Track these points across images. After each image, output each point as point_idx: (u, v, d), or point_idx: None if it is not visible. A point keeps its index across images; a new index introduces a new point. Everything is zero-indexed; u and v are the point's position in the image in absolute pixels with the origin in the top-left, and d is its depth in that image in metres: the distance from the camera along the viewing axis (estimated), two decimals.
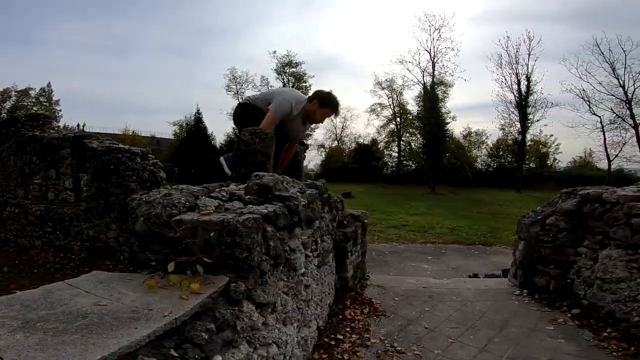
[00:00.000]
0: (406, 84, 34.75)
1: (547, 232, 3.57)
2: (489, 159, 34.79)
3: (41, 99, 35.39)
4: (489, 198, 22.12)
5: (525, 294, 3.68)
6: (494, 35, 68.69)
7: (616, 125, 26.29)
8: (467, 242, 8.06)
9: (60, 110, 35.76)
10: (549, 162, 34.08)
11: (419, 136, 32.10)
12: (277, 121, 3.18)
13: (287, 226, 1.99)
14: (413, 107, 34.33)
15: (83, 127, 24.62)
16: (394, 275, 5.47)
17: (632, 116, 25.11)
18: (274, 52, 37.19)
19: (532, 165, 33.09)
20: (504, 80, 31.02)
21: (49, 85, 36.13)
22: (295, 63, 36.47)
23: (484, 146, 35.41)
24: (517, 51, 29.76)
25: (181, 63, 78.07)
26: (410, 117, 34.84)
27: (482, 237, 8.65)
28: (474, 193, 24.69)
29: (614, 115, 26.18)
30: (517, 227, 4.06)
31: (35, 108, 32.62)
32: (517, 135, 30.65)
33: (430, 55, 31.91)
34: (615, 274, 2.84)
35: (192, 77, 75.61)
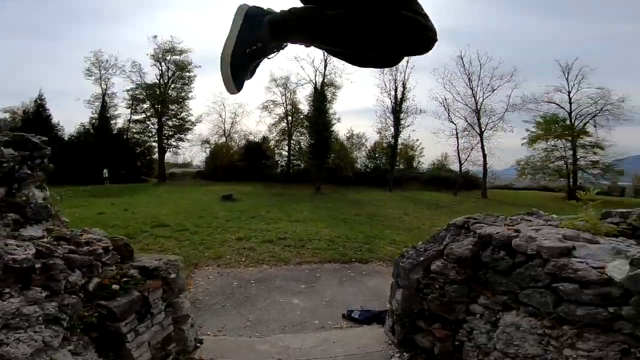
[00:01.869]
0: (300, 82, 34.37)
1: (433, 282, 2.78)
2: (367, 161, 37.16)
3: None
4: (366, 198, 23.11)
5: (405, 358, 2.81)
6: None
7: (467, 132, 30.81)
8: (343, 260, 7.47)
9: None
10: (414, 164, 38.17)
11: (307, 136, 32.06)
12: None
13: None
14: (305, 107, 34.22)
15: None
16: (253, 320, 4.22)
17: (479, 124, 29.70)
18: (155, 36, 32.48)
19: (401, 166, 36.50)
20: (384, 85, 33.32)
21: None
22: (180, 50, 32.51)
23: (363, 148, 37.69)
24: None
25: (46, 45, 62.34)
26: (302, 117, 34.63)
27: (359, 251, 8.23)
28: (355, 193, 25.67)
29: (467, 123, 30.64)
30: (394, 268, 3.23)
31: None
32: (391, 139, 33.26)
33: (323, 54, 32.09)
34: (523, 348, 2.13)
35: (57, 61, 61.22)
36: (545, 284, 2.09)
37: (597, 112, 28.47)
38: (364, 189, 28.63)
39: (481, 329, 2.49)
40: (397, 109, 32.01)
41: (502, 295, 2.40)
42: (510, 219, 2.96)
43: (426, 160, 39.83)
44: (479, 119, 29.66)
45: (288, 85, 35.13)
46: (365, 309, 4.50)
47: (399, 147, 34.97)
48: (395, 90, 32.12)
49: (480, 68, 29.99)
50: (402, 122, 32.52)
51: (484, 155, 29.14)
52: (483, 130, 29.52)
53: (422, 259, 3.05)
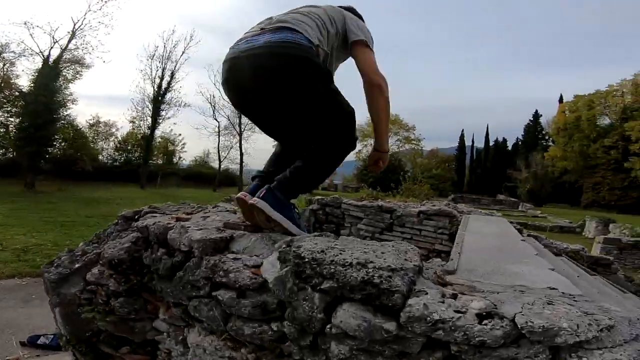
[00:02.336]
0: (24, 52, 24.57)
1: (95, 296, 2.02)
2: (116, 153, 31.88)
3: None
4: (108, 195, 19.54)
5: None
6: (162, 26, 65.38)
7: (228, 131, 31.75)
8: (36, 274, 5.57)
9: None
10: (174, 159, 35.99)
11: (21, 118, 23.61)
12: None
13: None
14: (25, 82, 24.90)
15: None
16: None
17: (240, 124, 31.15)
18: None
19: (159, 161, 33.55)
20: (149, 72, 29.29)
21: None
22: None
23: (112, 139, 32.06)
24: (174, 46, 29.28)
25: None
26: (17, 94, 25.08)
27: None
28: (93, 190, 21.16)
29: (229, 122, 31.50)
30: (44, 284, 2.25)
31: None
32: (146, 130, 29.81)
33: (74, 25, 24.25)
34: None
35: None
36: (207, 292, 1.58)
37: None
38: (109, 185, 24.24)
39: (177, 351, 1.92)
40: (159, 99, 29.01)
41: (175, 307, 1.89)
42: (197, 206, 2.58)
43: (188, 155, 38.41)
44: (240, 119, 31.19)
45: (3, 54, 24.93)
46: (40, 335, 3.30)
47: (158, 140, 31.98)
48: (161, 79, 29.10)
49: None
50: (163, 112, 29.83)
51: (241, 154, 30.93)
52: (243, 130, 31.27)
53: (77, 266, 2.22)
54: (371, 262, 0.93)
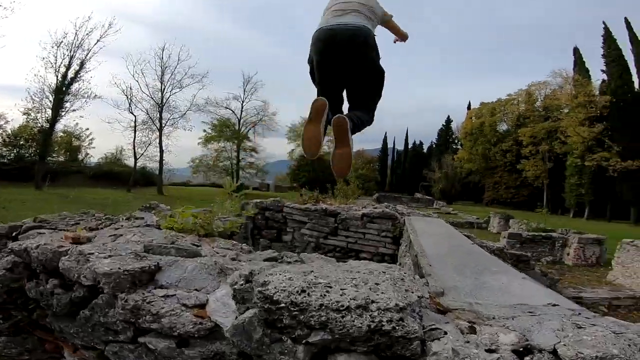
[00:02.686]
0: None
1: None
2: (4, 149, 26.99)
3: None
4: None
5: None
6: (76, 12, 56.13)
7: (146, 126, 28.94)
8: None
9: None
10: (80, 156, 31.81)
11: None
12: None
13: None
14: None
15: None
16: None
17: (161, 119, 28.61)
18: None
19: (61, 158, 29.32)
20: (53, 60, 25.03)
21: None
22: None
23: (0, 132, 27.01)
24: (88, 34, 25.37)
25: None
26: None
27: None
28: None
29: (147, 116, 28.69)
30: None
31: None
32: (45, 124, 25.73)
33: None
34: None
35: None
36: (130, 337, 1.20)
37: (258, 121, 35.17)
38: None
39: None
40: (63, 89, 25.11)
41: (86, 350, 1.44)
42: (104, 217, 2.09)
43: (97, 152, 34.24)
44: (161, 114, 28.69)
45: None
46: None
47: (59, 134, 27.84)
48: (68, 68, 25.18)
49: (178, 63, 29.22)
50: (67, 104, 25.93)
51: (161, 151, 28.51)
52: (164, 125, 28.84)
53: None
54: (372, 301, 0.72)
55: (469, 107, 50.10)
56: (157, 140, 28.70)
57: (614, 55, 29.51)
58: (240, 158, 34.26)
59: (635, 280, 7.86)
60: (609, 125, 28.27)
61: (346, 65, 2.03)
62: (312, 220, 3.50)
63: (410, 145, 57.49)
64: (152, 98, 28.70)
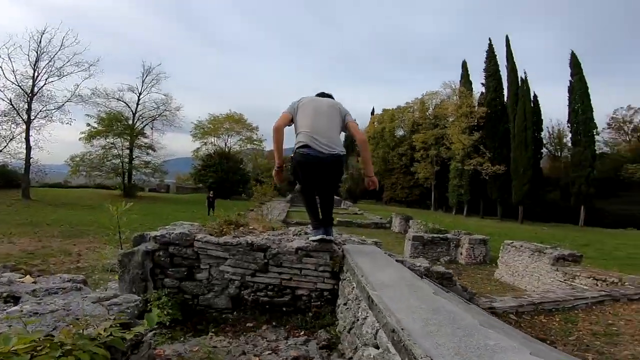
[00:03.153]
0: None
1: None
2: None
3: None
4: None
5: None
6: None
7: (8, 118, 23.40)
8: None
9: None
10: None
11: None
12: None
13: None
14: None
15: None
16: None
17: (29, 109, 23.41)
18: None
19: None
20: None
21: None
22: None
23: None
24: None
25: None
26: None
27: None
28: None
29: (11, 106, 23.19)
30: None
31: None
32: None
33: None
34: None
35: None
36: None
37: (157, 116, 31.51)
38: None
39: None
40: None
41: None
42: None
43: None
44: (30, 105, 23.49)
45: None
46: None
47: None
48: None
49: (60, 49, 24.05)
50: None
51: (28, 148, 23.42)
52: (33, 118, 23.70)
53: None
54: None
55: (373, 113, 53.61)
56: (24, 135, 23.47)
57: (492, 70, 34.59)
58: (133, 156, 30.27)
59: (516, 278, 9.04)
60: (484, 134, 33.17)
61: (324, 178, 2.83)
62: (234, 256, 2.88)
63: None
64: (20, 86, 23.40)
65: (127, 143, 29.85)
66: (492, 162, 31.82)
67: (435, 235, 15.26)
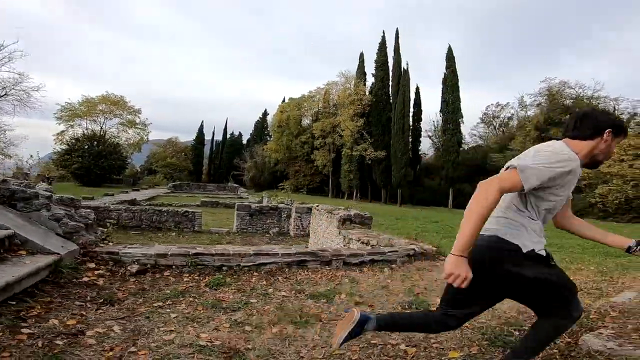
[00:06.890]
0: None
1: None
2: None
3: None
4: None
5: None
6: None
7: None
8: None
9: None
10: None
11: None
12: None
13: None
14: None
15: None
16: None
17: None
18: None
19: None
20: None
21: None
22: None
23: None
24: None
25: None
26: None
27: None
28: None
29: None
30: None
31: None
32: None
33: None
34: None
35: None
36: None
37: (3, 95, 27.57)
38: None
39: None
40: None
41: None
42: None
43: None
44: None
45: None
46: None
47: None
48: None
49: None
50: None
51: None
52: None
53: None
54: None
55: (283, 102, 53.34)
56: None
57: (381, 62, 36.41)
58: None
59: (320, 238, 8.81)
60: (370, 120, 34.79)
61: None
62: None
63: (229, 136, 57.20)
64: None
65: None
66: (375, 147, 33.51)
67: (264, 205, 15.13)
